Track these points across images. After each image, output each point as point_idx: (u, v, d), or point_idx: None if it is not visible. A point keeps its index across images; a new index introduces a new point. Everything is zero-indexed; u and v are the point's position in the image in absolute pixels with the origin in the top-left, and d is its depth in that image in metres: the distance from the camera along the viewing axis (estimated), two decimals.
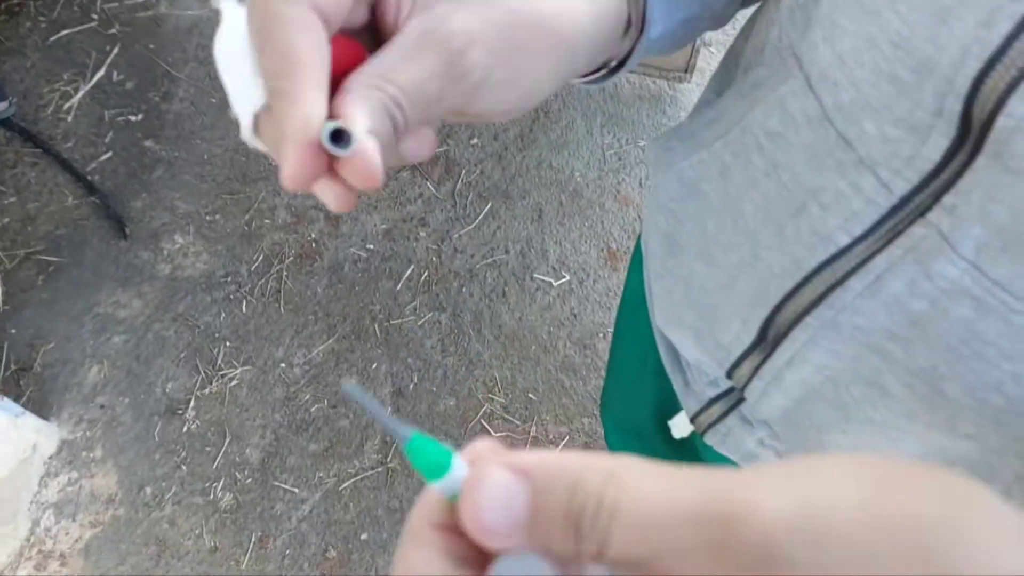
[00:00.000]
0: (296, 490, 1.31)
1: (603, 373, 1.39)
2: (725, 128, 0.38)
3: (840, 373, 0.35)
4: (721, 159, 0.38)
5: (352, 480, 1.31)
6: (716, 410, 0.46)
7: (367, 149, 0.24)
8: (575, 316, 1.45)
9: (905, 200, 0.30)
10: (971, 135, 0.27)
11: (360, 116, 0.24)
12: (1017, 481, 0.32)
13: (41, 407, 1.38)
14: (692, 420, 0.49)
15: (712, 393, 0.46)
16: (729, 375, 0.42)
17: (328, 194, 0.26)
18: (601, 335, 1.42)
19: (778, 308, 0.36)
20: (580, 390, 1.38)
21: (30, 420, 1.35)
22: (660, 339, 0.52)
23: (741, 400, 0.44)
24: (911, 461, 0.16)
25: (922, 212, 0.29)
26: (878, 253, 0.31)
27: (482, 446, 0.18)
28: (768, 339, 0.37)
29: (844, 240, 0.32)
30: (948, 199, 0.28)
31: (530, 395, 1.37)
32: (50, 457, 1.36)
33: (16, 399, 1.34)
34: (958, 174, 0.28)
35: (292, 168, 0.24)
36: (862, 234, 0.31)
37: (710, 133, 0.40)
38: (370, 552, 1.26)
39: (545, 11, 0.28)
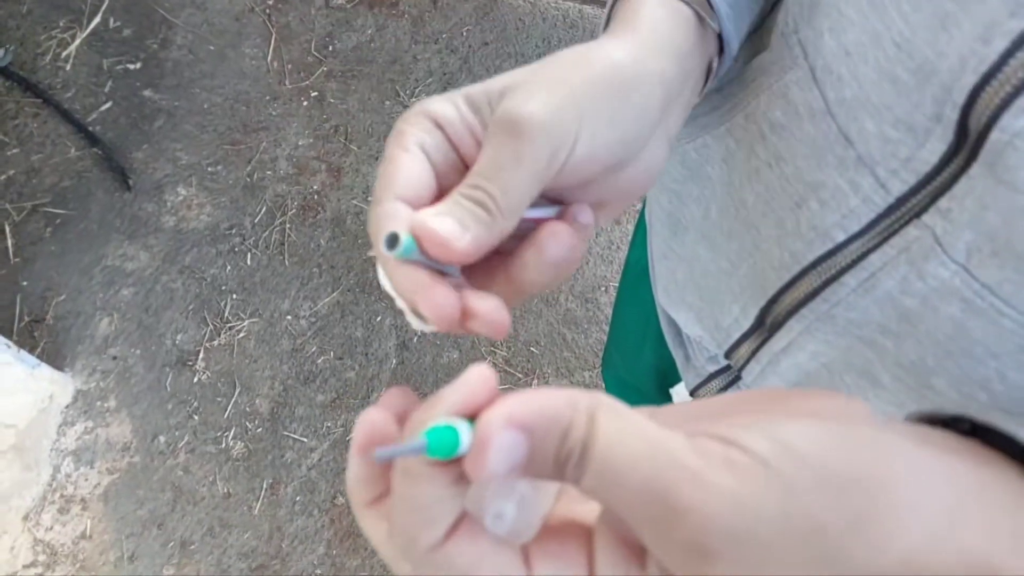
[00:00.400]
0: (305, 439, 1.35)
1: (604, 327, 1.40)
2: (730, 114, 0.38)
3: (834, 361, 0.36)
4: (725, 144, 0.39)
5: None
6: (715, 385, 0.47)
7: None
8: (577, 269, 1.45)
9: (901, 201, 0.30)
10: (967, 143, 0.27)
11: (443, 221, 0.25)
12: None
13: (55, 358, 1.42)
14: (692, 393, 0.51)
15: (712, 368, 0.47)
16: (728, 356, 0.43)
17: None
18: (603, 288, 1.43)
19: (775, 298, 0.37)
20: (581, 343, 1.39)
21: (46, 371, 1.39)
22: (662, 314, 0.53)
23: (739, 377, 0.45)
24: (848, 434, 0.19)
25: (917, 213, 0.30)
26: (873, 251, 0.32)
27: (477, 393, 0.20)
28: (766, 325, 0.38)
29: (840, 237, 0.32)
30: (943, 202, 0.29)
31: (532, 348, 1.39)
32: (66, 407, 1.40)
33: (31, 350, 1.37)
34: (954, 179, 0.28)
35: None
36: (858, 231, 0.32)
37: (715, 117, 0.40)
38: None
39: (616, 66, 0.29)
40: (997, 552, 0.19)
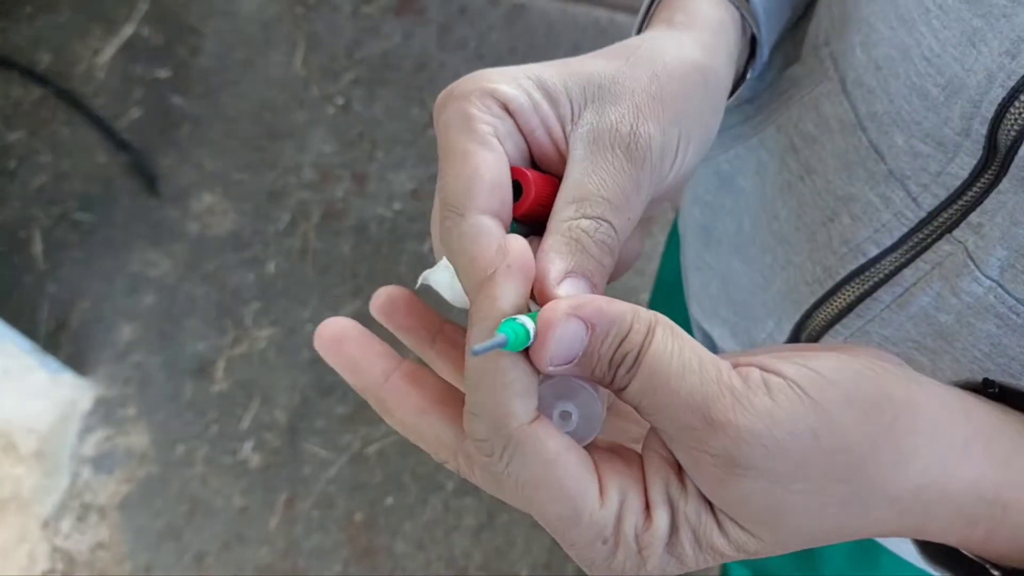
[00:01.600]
0: (324, 452, 1.32)
1: None
2: (762, 125, 0.38)
3: None
4: (757, 156, 0.38)
5: (378, 444, 1.31)
6: None
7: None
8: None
9: (932, 215, 0.30)
10: (997, 157, 0.27)
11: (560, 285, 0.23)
12: None
13: (78, 364, 1.41)
14: None
15: None
16: None
17: None
18: (634, 300, 1.37)
19: (809, 313, 0.36)
20: None
21: (68, 377, 1.38)
22: (696, 328, 0.52)
23: None
24: (874, 365, 0.21)
25: (949, 228, 0.30)
26: (906, 266, 0.31)
27: (528, 275, 0.21)
28: (801, 341, 0.38)
29: (873, 251, 0.32)
30: (974, 217, 0.29)
31: None
32: (87, 413, 1.39)
33: (54, 356, 1.37)
34: (984, 194, 0.28)
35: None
36: (890, 246, 0.32)
37: (747, 128, 0.39)
38: (396, 517, 1.26)
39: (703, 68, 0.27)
40: (1008, 485, 0.21)
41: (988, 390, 0.24)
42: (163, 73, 1.65)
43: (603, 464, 0.22)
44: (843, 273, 0.33)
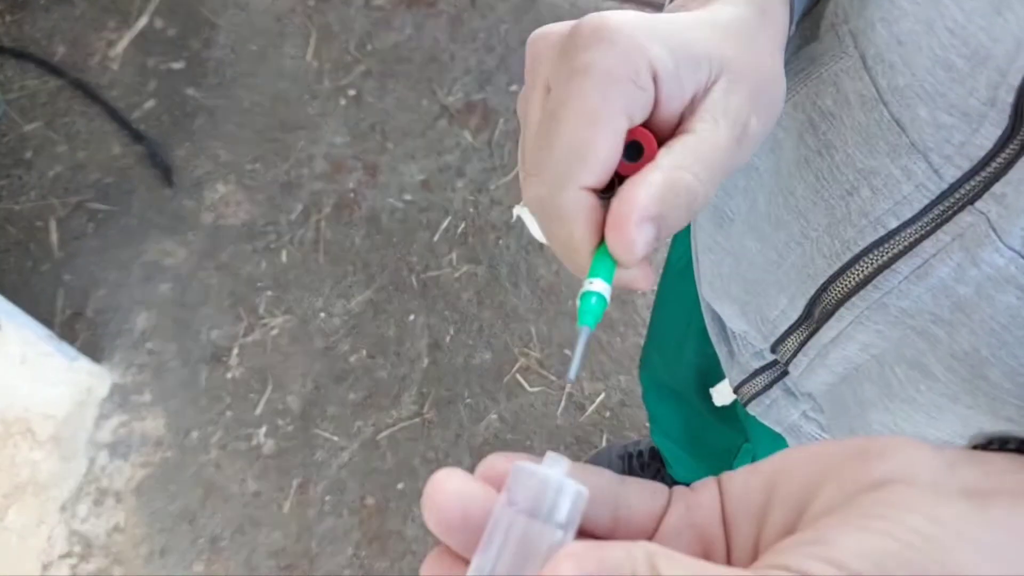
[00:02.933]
0: (336, 438, 1.34)
1: (640, 330, 1.36)
2: None
3: (884, 353, 0.35)
4: (773, 134, 0.38)
5: (390, 430, 1.33)
6: (760, 381, 0.47)
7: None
8: None
9: (955, 187, 0.30)
10: (1022, 127, 0.27)
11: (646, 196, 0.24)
12: None
13: (94, 351, 1.44)
14: (736, 390, 0.50)
15: (757, 364, 0.46)
16: (774, 349, 0.42)
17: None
18: (639, 291, 1.39)
19: (824, 287, 0.36)
20: (617, 346, 1.35)
21: (84, 364, 1.41)
22: (706, 309, 0.52)
23: (786, 372, 0.44)
24: (901, 546, 0.18)
25: (971, 199, 0.29)
26: (926, 238, 0.31)
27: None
28: (814, 316, 0.38)
29: (893, 223, 0.32)
30: (998, 188, 0.28)
31: (566, 351, 1.35)
32: (103, 400, 1.41)
33: (71, 343, 1.39)
34: (1009, 164, 0.28)
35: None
36: (911, 218, 0.31)
37: None
38: (407, 501, 1.28)
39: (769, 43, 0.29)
40: None
41: (1006, 447, 0.23)
42: (177, 65, 1.67)
43: None
44: (862, 245, 0.33)
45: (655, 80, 0.24)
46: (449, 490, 0.19)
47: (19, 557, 1.28)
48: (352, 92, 1.60)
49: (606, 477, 0.22)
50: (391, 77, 1.60)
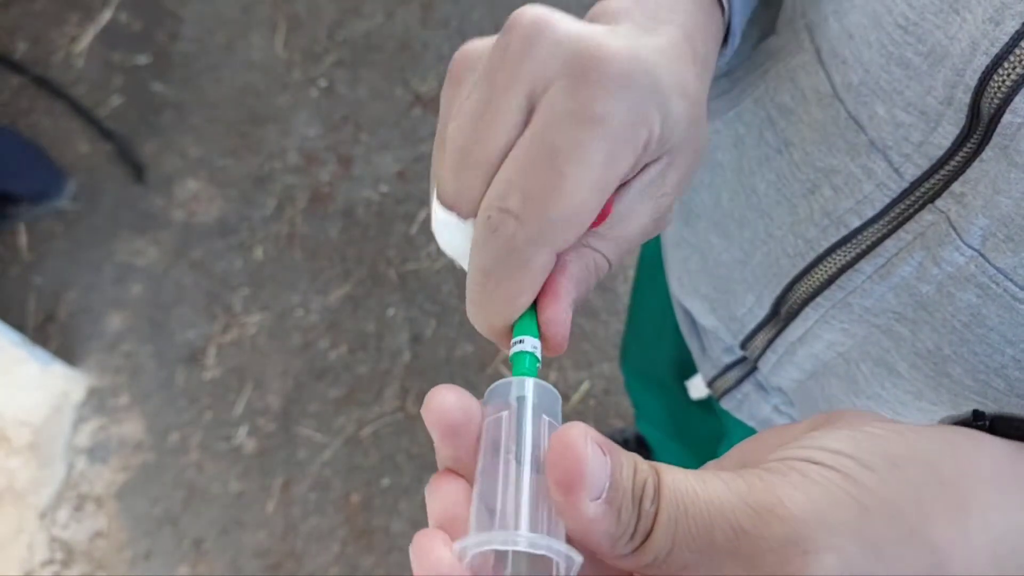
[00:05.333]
0: (318, 436, 1.32)
1: (623, 317, 1.35)
2: (739, 98, 0.38)
3: (850, 351, 0.35)
4: (735, 130, 0.38)
5: (372, 426, 1.32)
6: (732, 376, 0.47)
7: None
8: None
9: (915, 185, 0.30)
10: (980, 126, 0.27)
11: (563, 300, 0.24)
12: None
13: (68, 355, 1.41)
14: (709, 385, 0.50)
15: (728, 360, 0.46)
16: (743, 346, 0.42)
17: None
18: (621, 278, 1.37)
19: (790, 287, 0.36)
20: (600, 334, 1.34)
21: (59, 368, 1.38)
22: (677, 305, 0.52)
23: (756, 368, 0.44)
24: (891, 432, 0.20)
25: (931, 198, 0.29)
26: (887, 237, 0.31)
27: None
28: (781, 315, 0.38)
29: (855, 223, 0.32)
30: (957, 187, 0.28)
31: None
32: (80, 404, 1.39)
33: (44, 347, 1.37)
34: (967, 163, 0.28)
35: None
36: (873, 217, 0.31)
37: (723, 103, 0.39)
38: (392, 496, 1.27)
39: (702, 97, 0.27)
40: None
41: (977, 423, 0.23)
42: (142, 59, 1.63)
43: None
44: (825, 245, 0.33)
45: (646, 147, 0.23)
46: (451, 399, 0.21)
47: (1, 565, 1.27)
48: (323, 83, 1.56)
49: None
50: (363, 66, 1.57)
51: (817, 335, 0.36)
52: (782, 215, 0.36)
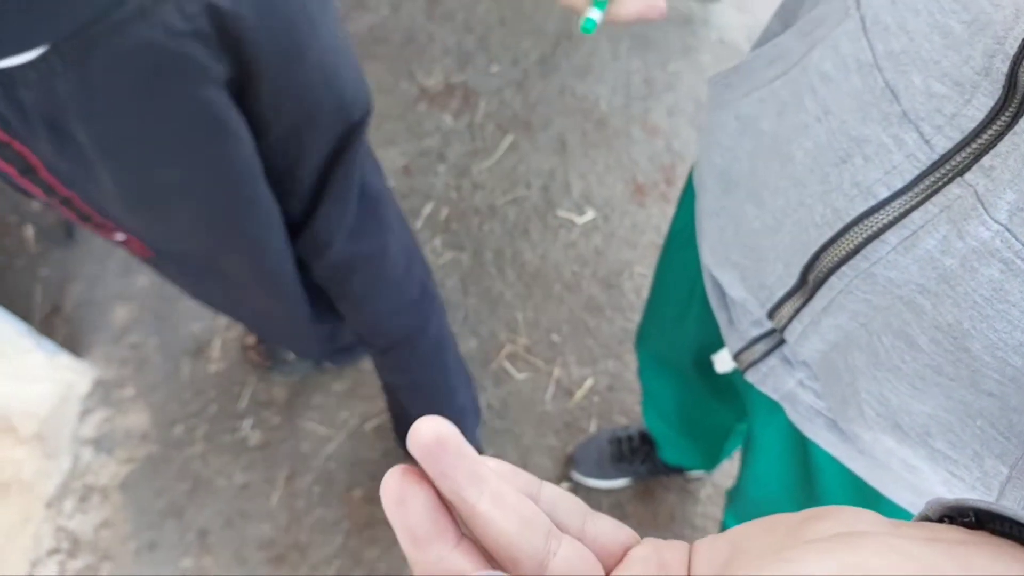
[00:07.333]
0: (322, 429, 1.33)
1: (628, 314, 1.35)
2: (785, 67, 0.39)
3: (872, 321, 0.36)
4: (780, 98, 0.39)
5: (376, 420, 1.32)
6: (758, 349, 0.47)
7: None
8: (600, 254, 1.40)
9: (945, 158, 0.30)
10: (1015, 98, 0.27)
11: None
12: None
13: (74, 346, 1.42)
14: (735, 357, 0.50)
15: (755, 332, 0.47)
16: (770, 316, 0.43)
17: None
18: (627, 274, 1.38)
19: (817, 255, 0.37)
20: (605, 331, 1.34)
21: (65, 359, 1.39)
22: (707, 276, 0.53)
23: (783, 341, 0.45)
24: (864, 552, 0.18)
25: (960, 171, 0.29)
26: (915, 209, 0.31)
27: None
28: (808, 284, 0.39)
29: (883, 193, 0.32)
30: (987, 160, 0.28)
31: (553, 336, 1.35)
32: (86, 395, 1.40)
33: (50, 339, 1.37)
34: (999, 136, 0.28)
35: None
36: (901, 188, 0.32)
37: (770, 71, 0.40)
38: None
39: None
40: None
41: (963, 519, 0.22)
42: None
43: None
44: (853, 215, 0.34)
45: None
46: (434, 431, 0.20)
47: (6, 555, 1.28)
48: None
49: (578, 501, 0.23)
50: (368, 59, 1.56)
51: (841, 305, 0.36)
52: (814, 184, 0.36)
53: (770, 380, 0.47)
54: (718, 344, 0.60)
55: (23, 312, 1.40)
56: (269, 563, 1.25)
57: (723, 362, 0.61)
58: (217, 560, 1.26)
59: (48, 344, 1.35)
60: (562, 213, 1.43)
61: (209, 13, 0.55)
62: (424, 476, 0.20)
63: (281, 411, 1.35)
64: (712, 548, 0.22)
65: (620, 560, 0.23)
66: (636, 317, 1.34)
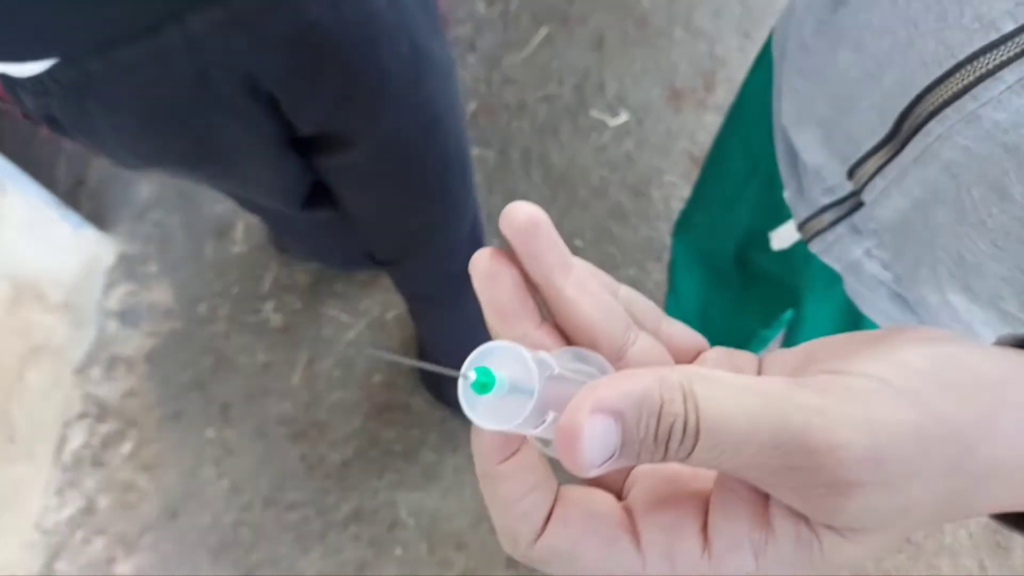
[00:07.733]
0: (344, 316, 1.35)
1: (654, 223, 1.34)
2: None
3: (965, 172, 0.34)
4: None
5: (396, 310, 1.35)
6: (827, 217, 0.46)
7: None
8: (630, 159, 1.37)
9: None
10: None
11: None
12: None
13: (98, 220, 1.42)
14: (800, 227, 0.49)
15: (826, 200, 0.46)
16: (851, 174, 0.41)
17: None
18: (656, 182, 1.36)
19: (919, 98, 0.35)
20: (628, 239, 1.34)
21: (90, 232, 1.40)
22: (780, 141, 0.51)
23: (855, 209, 0.44)
24: (954, 346, 0.20)
25: None
26: None
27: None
28: (902, 132, 0.37)
29: (1008, 26, 0.30)
30: None
31: (576, 241, 1.34)
32: (110, 268, 1.42)
33: (75, 212, 1.38)
34: None
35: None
36: None
37: None
38: (414, 379, 1.31)
39: None
40: None
41: None
42: None
43: (646, 524, 0.21)
44: (968, 51, 0.32)
45: None
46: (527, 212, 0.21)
47: (40, 414, 1.33)
48: None
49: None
50: None
51: (935, 153, 0.35)
52: (929, 21, 0.34)
53: (836, 249, 0.47)
54: (768, 228, 0.59)
55: (47, 184, 1.40)
56: (288, 439, 1.31)
57: (782, 238, 0.59)
58: (239, 432, 1.32)
59: (73, 216, 1.36)
60: (594, 114, 1.40)
61: None
62: (513, 258, 0.22)
63: (303, 296, 1.37)
64: (783, 357, 0.23)
65: (693, 361, 0.25)
66: (663, 226, 1.33)
